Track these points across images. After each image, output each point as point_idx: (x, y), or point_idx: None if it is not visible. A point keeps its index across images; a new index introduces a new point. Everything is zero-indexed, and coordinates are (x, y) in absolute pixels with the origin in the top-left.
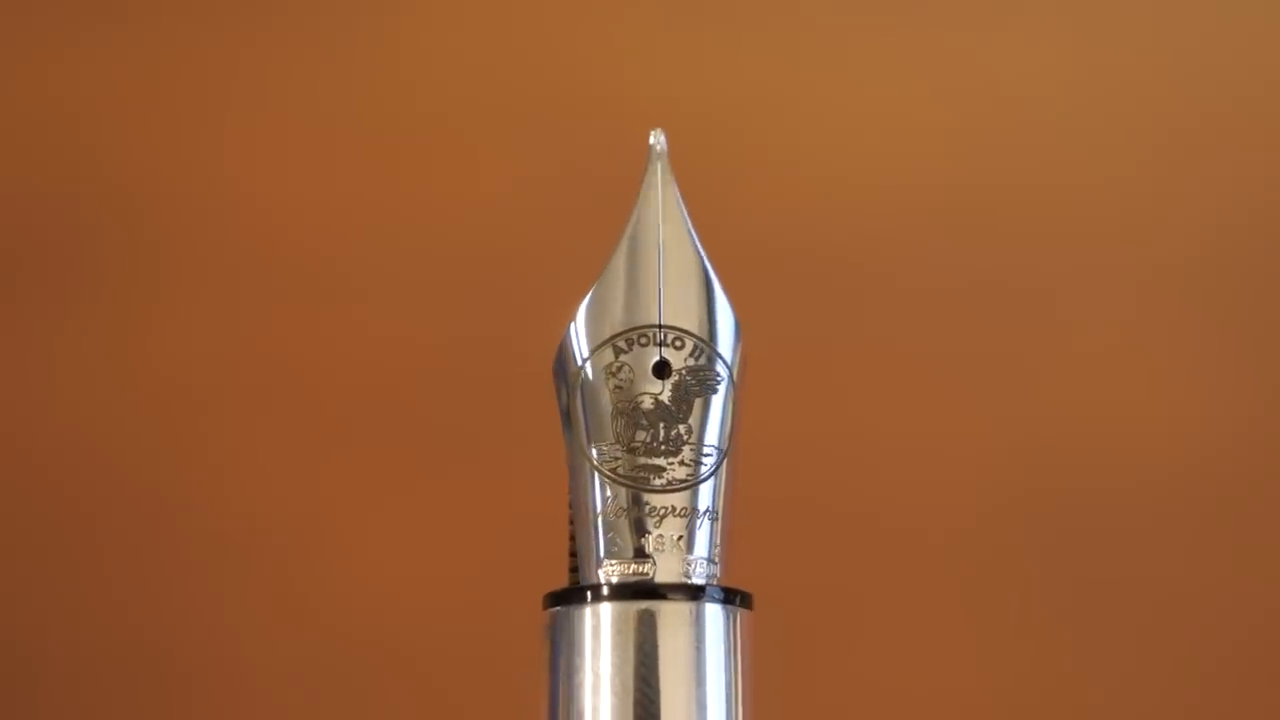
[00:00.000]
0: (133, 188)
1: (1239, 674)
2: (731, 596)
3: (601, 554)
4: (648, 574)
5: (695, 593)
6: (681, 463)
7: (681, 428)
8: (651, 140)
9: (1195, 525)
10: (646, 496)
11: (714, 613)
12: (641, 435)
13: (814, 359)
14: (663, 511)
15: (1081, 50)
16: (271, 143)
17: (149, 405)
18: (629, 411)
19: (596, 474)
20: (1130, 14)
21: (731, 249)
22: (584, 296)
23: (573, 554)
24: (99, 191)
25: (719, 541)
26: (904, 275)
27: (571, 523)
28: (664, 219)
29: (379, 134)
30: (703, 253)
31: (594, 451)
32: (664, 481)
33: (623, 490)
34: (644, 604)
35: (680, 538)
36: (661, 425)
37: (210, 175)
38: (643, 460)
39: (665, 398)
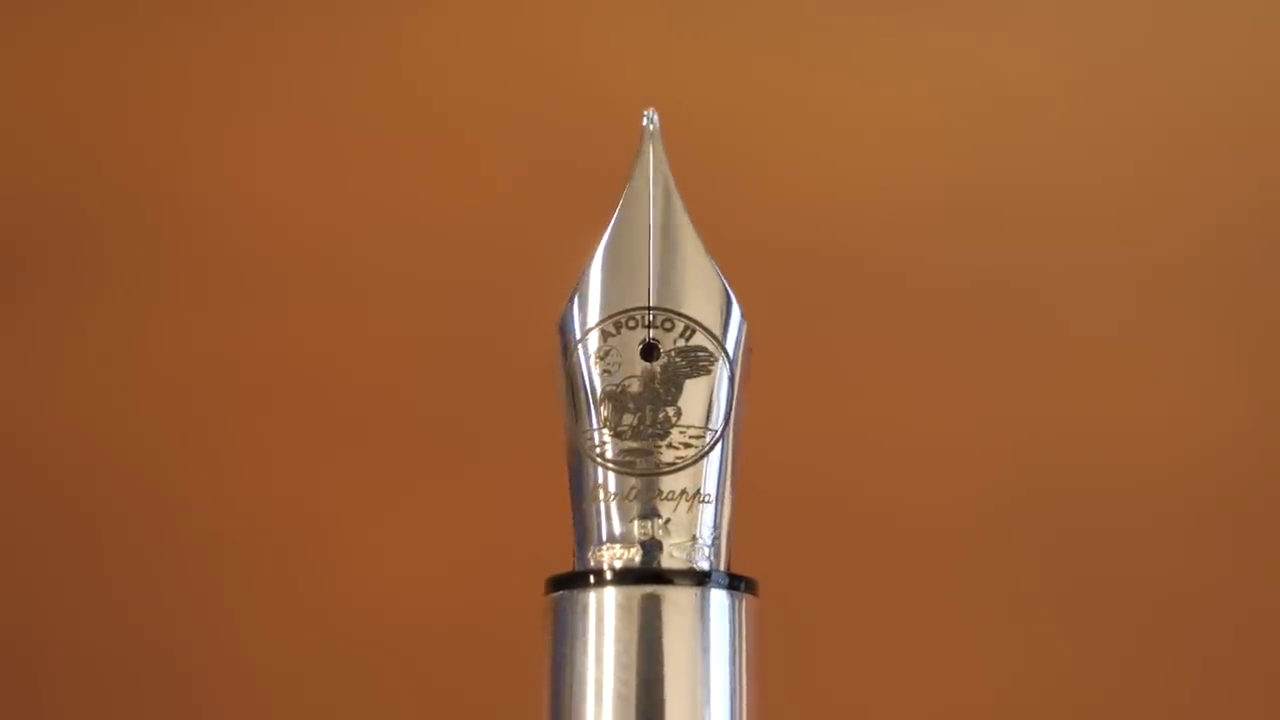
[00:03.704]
0: (133, 187)
1: (1238, 674)
2: (737, 582)
3: (587, 539)
4: (633, 558)
5: (701, 578)
6: (669, 445)
7: (670, 410)
8: (644, 121)
9: (1194, 525)
10: (632, 481)
11: (719, 598)
12: (629, 419)
13: (814, 357)
14: (649, 495)
15: (1081, 50)
16: (272, 142)
17: (149, 405)
18: (616, 395)
19: (585, 459)
20: (1130, 14)
21: (732, 248)
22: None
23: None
24: (99, 191)
25: (715, 524)
26: (904, 274)
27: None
28: (655, 200)
29: (380, 134)
30: (696, 233)
31: (583, 437)
32: (650, 465)
33: (609, 475)
34: (648, 589)
35: (667, 521)
36: (649, 408)
37: (211, 175)
38: (629, 444)
39: (653, 380)
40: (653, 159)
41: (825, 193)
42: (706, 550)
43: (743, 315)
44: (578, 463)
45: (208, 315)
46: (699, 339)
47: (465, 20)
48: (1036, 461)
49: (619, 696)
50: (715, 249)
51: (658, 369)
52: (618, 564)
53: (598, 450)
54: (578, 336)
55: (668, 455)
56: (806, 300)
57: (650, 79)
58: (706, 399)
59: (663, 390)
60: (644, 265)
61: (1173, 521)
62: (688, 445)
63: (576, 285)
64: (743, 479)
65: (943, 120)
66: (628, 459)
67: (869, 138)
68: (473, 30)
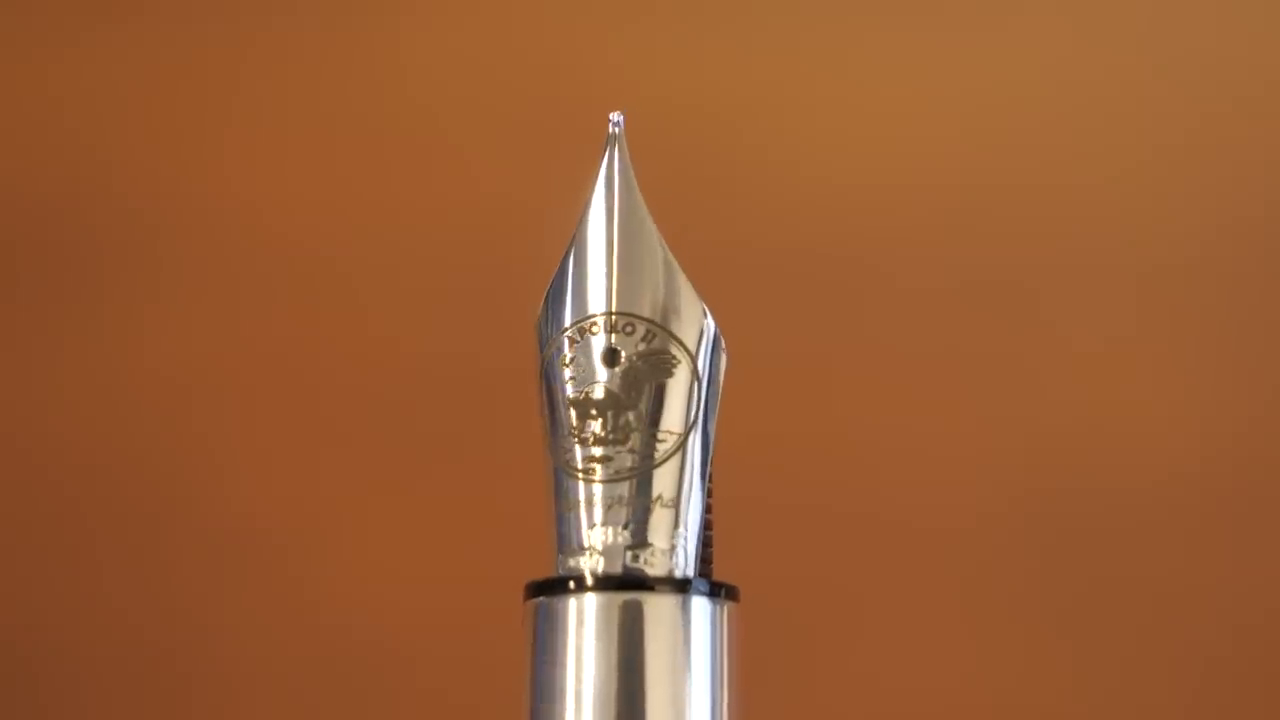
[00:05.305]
0: (132, 188)
1: (1239, 674)
2: (717, 589)
3: (563, 545)
4: (602, 564)
5: (682, 585)
6: (630, 450)
7: (630, 414)
8: (610, 127)
9: (1195, 525)
10: (594, 487)
11: (700, 605)
12: (592, 425)
13: (813, 358)
14: (608, 502)
15: (1081, 50)
16: (271, 143)
17: (149, 405)
18: (581, 402)
19: (557, 466)
20: (1130, 14)
21: (730, 249)
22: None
23: None
24: (99, 192)
25: (687, 527)
26: (903, 275)
27: None
28: (618, 205)
29: (378, 135)
30: (658, 236)
31: (555, 443)
32: (611, 471)
33: (577, 481)
34: (629, 595)
35: (635, 526)
36: (611, 413)
37: (210, 175)
38: (593, 450)
39: (615, 385)
40: (618, 162)
41: (825, 193)
42: (676, 554)
43: (711, 317)
44: (551, 469)
45: (207, 315)
46: (660, 342)
47: (463, 22)
48: (1036, 462)
49: (598, 704)
50: (713, 249)
51: (620, 374)
52: (599, 569)
53: (567, 457)
54: (545, 344)
55: (628, 460)
56: (804, 300)
57: (648, 81)
58: (670, 402)
59: (624, 395)
60: (606, 272)
61: (1173, 522)
62: (650, 449)
63: (546, 292)
64: (740, 482)
65: (941, 120)
66: (593, 465)
67: (867, 137)
68: (470, 32)
